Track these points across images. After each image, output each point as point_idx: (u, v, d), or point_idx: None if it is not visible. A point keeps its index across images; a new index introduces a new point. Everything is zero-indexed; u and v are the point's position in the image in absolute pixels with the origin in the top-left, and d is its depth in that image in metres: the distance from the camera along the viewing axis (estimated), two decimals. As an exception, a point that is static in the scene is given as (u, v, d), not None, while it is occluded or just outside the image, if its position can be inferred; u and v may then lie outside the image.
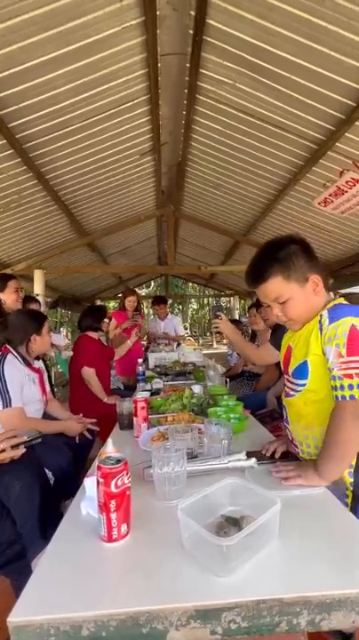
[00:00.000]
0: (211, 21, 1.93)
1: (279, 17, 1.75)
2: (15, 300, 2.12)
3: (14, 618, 0.55)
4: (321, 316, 0.95)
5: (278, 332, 2.10)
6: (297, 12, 1.69)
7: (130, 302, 3.59)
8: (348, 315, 0.89)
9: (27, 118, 2.29)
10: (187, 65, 2.25)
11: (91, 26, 1.83)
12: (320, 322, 0.94)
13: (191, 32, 2.00)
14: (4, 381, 1.53)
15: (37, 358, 1.87)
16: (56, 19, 1.72)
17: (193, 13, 1.89)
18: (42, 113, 2.29)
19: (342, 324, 0.87)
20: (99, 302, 7.83)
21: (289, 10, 1.69)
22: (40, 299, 4.17)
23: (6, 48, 1.78)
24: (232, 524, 0.73)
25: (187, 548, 0.69)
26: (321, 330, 0.93)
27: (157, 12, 1.85)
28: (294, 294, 0.98)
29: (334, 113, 2.25)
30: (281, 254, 0.98)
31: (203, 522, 0.68)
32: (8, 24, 1.67)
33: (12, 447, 1.04)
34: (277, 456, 1.07)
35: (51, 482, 1.53)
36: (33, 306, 3.12)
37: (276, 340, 1.59)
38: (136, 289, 6.30)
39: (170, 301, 5.04)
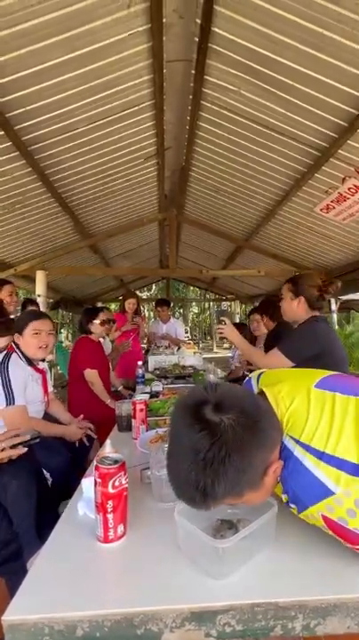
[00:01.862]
0: (216, 29, 1.96)
1: (283, 26, 1.78)
2: (9, 302, 2.24)
3: (9, 616, 0.55)
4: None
5: (281, 334, 2.09)
6: (301, 22, 1.72)
7: (130, 305, 3.59)
8: (307, 505, 0.64)
9: (34, 121, 2.31)
10: (193, 71, 2.27)
11: (99, 32, 1.86)
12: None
13: (196, 39, 2.03)
14: (9, 379, 1.54)
15: (43, 360, 1.86)
16: (65, 24, 1.74)
17: (199, 21, 1.92)
18: (48, 116, 2.31)
19: (309, 516, 0.66)
20: (99, 304, 7.85)
21: (293, 19, 1.72)
22: (42, 300, 4.19)
23: (15, 52, 1.81)
24: (228, 527, 0.73)
25: (184, 551, 0.69)
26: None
27: (164, 20, 1.88)
28: (250, 498, 0.66)
29: (337, 120, 2.27)
30: (216, 464, 0.56)
31: (199, 524, 0.68)
32: (17, 28, 1.69)
33: (11, 447, 1.04)
34: None
35: (49, 482, 1.53)
36: (32, 308, 3.21)
37: (286, 347, 1.57)
38: (137, 292, 6.32)
39: (171, 304, 5.04)
